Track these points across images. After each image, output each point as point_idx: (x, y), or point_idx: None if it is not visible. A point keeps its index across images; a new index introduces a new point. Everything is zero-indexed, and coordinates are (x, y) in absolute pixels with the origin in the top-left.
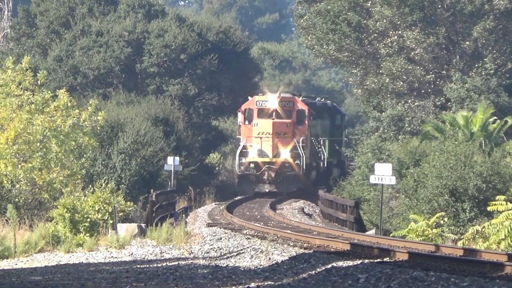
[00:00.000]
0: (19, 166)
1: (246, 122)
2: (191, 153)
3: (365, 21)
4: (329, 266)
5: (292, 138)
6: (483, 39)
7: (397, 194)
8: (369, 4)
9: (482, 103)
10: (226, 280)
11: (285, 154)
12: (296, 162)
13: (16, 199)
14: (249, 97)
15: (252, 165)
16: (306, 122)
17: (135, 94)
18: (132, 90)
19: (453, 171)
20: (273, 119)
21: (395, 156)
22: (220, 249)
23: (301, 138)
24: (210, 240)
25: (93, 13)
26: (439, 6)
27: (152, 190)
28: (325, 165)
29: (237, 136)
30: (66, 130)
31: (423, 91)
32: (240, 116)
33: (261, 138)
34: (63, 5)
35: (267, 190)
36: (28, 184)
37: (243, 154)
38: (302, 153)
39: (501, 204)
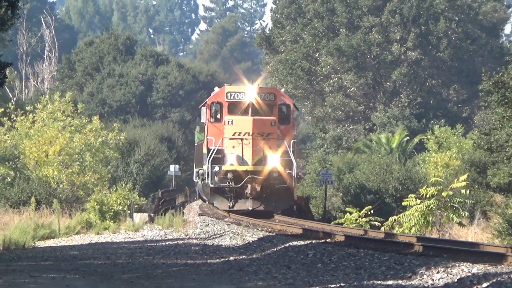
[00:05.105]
0: (63, 171)
1: (213, 120)
2: (187, 162)
3: (314, 67)
4: (287, 245)
5: (278, 140)
6: (400, 81)
7: (337, 193)
8: (317, 55)
9: (399, 127)
10: (212, 254)
11: (274, 161)
12: (287, 171)
13: (60, 195)
14: (216, 87)
15: (230, 175)
16: (292, 120)
17: (147, 119)
18: (144, 117)
19: (378, 176)
20: (253, 115)
21: (335, 165)
22: (208, 232)
23: (292, 141)
24: (201, 226)
25: (116, 61)
26: (368, 56)
27: (159, 189)
28: None
29: (208, 137)
30: (97, 145)
31: (356, 118)
32: (204, 112)
33: (242, 140)
34: (95, 55)
35: (250, 208)
36: (69, 184)
37: (217, 160)
38: (294, 160)
39: (412, 200)
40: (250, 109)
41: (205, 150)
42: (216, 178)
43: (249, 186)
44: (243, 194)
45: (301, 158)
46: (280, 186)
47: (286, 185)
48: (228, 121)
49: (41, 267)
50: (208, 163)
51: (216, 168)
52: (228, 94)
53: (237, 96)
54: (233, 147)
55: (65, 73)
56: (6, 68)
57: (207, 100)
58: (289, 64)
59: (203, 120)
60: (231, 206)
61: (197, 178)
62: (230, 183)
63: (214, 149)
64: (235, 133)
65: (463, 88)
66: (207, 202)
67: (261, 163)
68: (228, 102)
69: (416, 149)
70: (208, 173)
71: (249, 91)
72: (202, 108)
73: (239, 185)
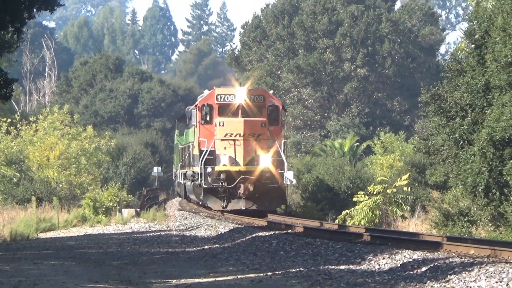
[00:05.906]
0: (62, 173)
1: (203, 122)
2: (168, 165)
3: (276, 83)
4: (254, 235)
5: (269, 141)
6: (350, 94)
7: (297, 190)
8: (279, 72)
9: (350, 134)
10: (189, 244)
11: (266, 161)
12: (279, 171)
13: (59, 194)
14: (206, 90)
15: (222, 175)
16: (281, 121)
17: (133, 128)
18: (132, 126)
19: (332, 176)
20: (243, 117)
21: (295, 167)
22: (186, 224)
23: (283, 141)
24: (180, 219)
25: (107, 78)
26: (323, 73)
27: (144, 188)
28: None
29: (200, 139)
30: (91, 151)
31: (313, 126)
32: (195, 114)
33: (234, 141)
34: (89, 73)
35: (243, 208)
36: (67, 184)
37: (209, 161)
38: (285, 160)
39: (362, 197)
40: (240, 110)
41: (196, 152)
42: (209, 179)
43: (242, 186)
44: (236, 194)
45: None
46: (272, 185)
47: (278, 184)
48: (219, 123)
49: (43, 255)
50: (201, 164)
51: (209, 169)
52: (218, 97)
53: (227, 98)
54: (225, 148)
55: (63, 88)
56: (13, 84)
57: (197, 102)
58: (255, 80)
59: (193, 122)
60: (224, 206)
61: (184, 179)
62: (223, 184)
63: (206, 151)
64: (226, 134)
65: (405, 100)
66: (200, 203)
67: (253, 163)
68: (218, 104)
69: (364, 152)
70: (200, 174)
71: (239, 93)
72: (193, 110)
73: (232, 185)
